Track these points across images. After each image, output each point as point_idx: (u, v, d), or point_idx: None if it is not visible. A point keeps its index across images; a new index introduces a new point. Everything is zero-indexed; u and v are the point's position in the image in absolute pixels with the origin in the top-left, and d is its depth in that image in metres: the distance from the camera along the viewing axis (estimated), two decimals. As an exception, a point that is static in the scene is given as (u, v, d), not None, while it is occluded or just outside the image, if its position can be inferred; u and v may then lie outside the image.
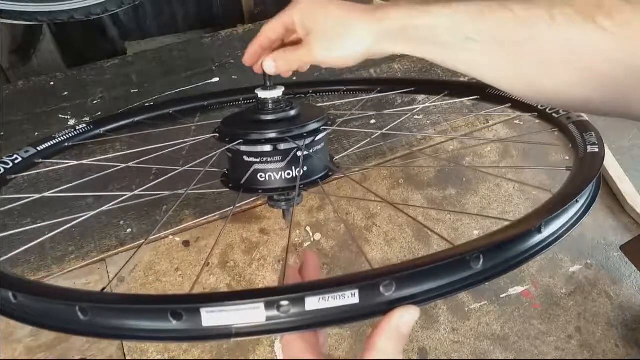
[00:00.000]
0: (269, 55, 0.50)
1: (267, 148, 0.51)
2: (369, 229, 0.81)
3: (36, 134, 0.94)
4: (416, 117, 0.97)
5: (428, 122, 0.96)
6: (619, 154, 0.89)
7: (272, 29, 0.50)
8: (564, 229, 0.33)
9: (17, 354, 0.66)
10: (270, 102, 0.54)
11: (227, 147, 0.53)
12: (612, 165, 0.87)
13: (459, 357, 0.68)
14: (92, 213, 0.51)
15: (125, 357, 0.66)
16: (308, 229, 0.81)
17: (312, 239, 0.79)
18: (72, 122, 0.96)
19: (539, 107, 0.57)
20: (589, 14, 0.31)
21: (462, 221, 0.82)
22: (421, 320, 0.71)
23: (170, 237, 0.79)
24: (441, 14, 0.37)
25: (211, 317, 0.25)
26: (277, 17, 0.50)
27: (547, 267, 0.77)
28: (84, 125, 0.75)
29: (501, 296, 0.74)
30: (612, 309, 0.73)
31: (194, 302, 0.25)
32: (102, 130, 0.76)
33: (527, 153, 0.93)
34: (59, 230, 0.52)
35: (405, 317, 0.27)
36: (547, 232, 0.32)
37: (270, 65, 0.50)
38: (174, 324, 0.25)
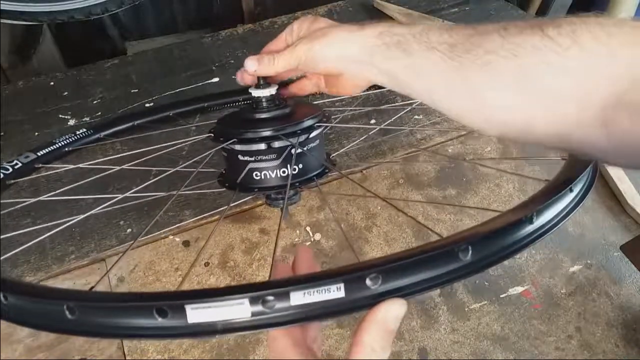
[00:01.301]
0: (253, 55, 0.51)
1: (261, 146, 0.51)
2: (369, 229, 0.81)
3: (36, 134, 0.94)
4: (416, 117, 0.97)
5: (428, 122, 0.96)
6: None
7: (274, 44, 0.52)
8: (557, 218, 0.32)
9: (17, 354, 0.66)
10: (263, 100, 0.54)
11: (220, 146, 0.53)
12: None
13: (459, 357, 0.68)
14: (82, 216, 0.52)
15: (125, 357, 0.66)
16: (308, 228, 0.81)
17: (312, 239, 0.79)
18: (72, 122, 0.97)
19: None
20: (540, 26, 0.32)
21: (463, 221, 0.82)
22: (421, 320, 0.71)
23: (170, 237, 0.79)
24: (414, 26, 0.40)
25: (196, 313, 0.25)
26: (279, 35, 0.52)
27: (547, 267, 0.77)
28: (84, 130, 0.75)
29: (501, 296, 0.74)
30: (612, 309, 0.73)
31: (178, 298, 0.25)
32: (102, 134, 0.77)
33: (527, 152, 0.93)
34: (54, 231, 0.52)
35: (392, 311, 0.26)
36: (539, 221, 0.31)
37: (252, 63, 0.50)
38: (159, 321, 0.25)
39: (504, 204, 0.84)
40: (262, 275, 0.75)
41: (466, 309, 0.72)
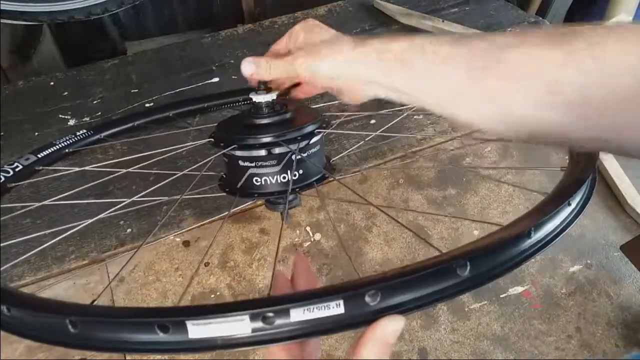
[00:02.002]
0: (251, 57, 0.50)
1: (262, 152, 0.52)
2: (369, 229, 0.81)
3: (36, 134, 0.94)
4: (416, 117, 0.97)
5: (428, 122, 0.97)
6: (619, 154, 0.89)
7: (277, 45, 0.52)
8: (555, 232, 0.32)
9: (17, 354, 0.66)
10: (264, 105, 0.54)
11: (220, 152, 0.54)
12: (612, 165, 0.87)
13: (459, 357, 0.68)
14: (90, 221, 0.52)
15: (125, 358, 0.67)
16: (308, 229, 0.81)
17: (312, 239, 0.79)
18: (72, 122, 0.97)
19: None
20: (559, 35, 0.32)
21: (462, 221, 0.82)
22: (421, 320, 0.71)
23: (171, 237, 0.79)
24: (416, 39, 0.38)
25: (197, 329, 0.25)
26: (282, 37, 0.51)
27: (547, 267, 0.77)
28: (84, 131, 0.75)
29: (501, 296, 0.74)
30: (612, 309, 0.73)
31: (180, 315, 0.26)
32: (102, 135, 0.77)
33: (527, 154, 0.93)
34: (59, 238, 0.52)
35: (390, 327, 0.26)
36: (537, 236, 0.31)
37: (249, 65, 0.49)
38: (160, 336, 0.26)
39: (504, 204, 0.84)
40: (262, 275, 0.75)
41: (466, 309, 0.72)
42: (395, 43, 0.40)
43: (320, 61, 0.45)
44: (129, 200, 0.56)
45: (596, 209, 0.84)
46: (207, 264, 0.76)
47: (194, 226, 0.79)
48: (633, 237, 0.77)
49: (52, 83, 1.05)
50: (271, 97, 0.54)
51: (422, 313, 0.72)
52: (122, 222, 0.80)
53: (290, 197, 0.57)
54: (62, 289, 0.73)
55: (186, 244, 0.78)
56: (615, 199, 0.85)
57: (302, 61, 0.46)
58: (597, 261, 0.78)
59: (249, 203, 0.81)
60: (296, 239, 0.79)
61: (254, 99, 0.54)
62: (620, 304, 0.73)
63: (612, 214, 0.84)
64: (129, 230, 0.79)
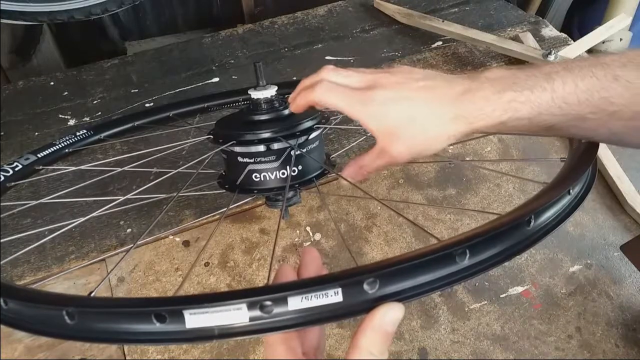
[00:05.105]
0: (344, 172, 0.47)
1: (261, 148, 0.51)
2: (369, 229, 0.81)
3: (36, 134, 0.94)
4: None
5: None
6: (619, 154, 0.89)
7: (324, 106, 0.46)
8: (555, 221, 0.32)
9: (17, 354, 0.66)
10: (262, 101, 0.54)
11: (220, 148, 0.53)
12: (611, 164, 0.87)
13: (459, 357, 0.68)
14: (83, 219, 0.52)
15: (125, 357, 0.67)
16: (308, 229, 0.81)
17: (312, 239, 0.79)
18: (72, 122, 0.97)
19: None
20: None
21: (462, 221, 0.82)
22: (421, 320, 0.71)
23: (171, 237, 0.79)
24: (543, 100, 0.36)
25: (194, 318, 0.25)
26: (340, 103, 0.43)
27: (547, 267, 0.77)
28: (84, 131, 0.75)
29: (501, 296, 0.74)
30: (612, 309, 0.73)
31: (176, 304, 0.26)
32: (102, 135, 0.77)
33: (528, 154, 0.93)
34: (55, 234, 0.52)
35: (389, 315, 0.26)
36: (537, 224, 0.31)
37: (351, 178, 0.48)
38: (157, 326, 0.25)
39: (504, 204, 0.84)
40: (262, 275, 0.75)
41: (466, 309, 0.72)
42: (521, 110, 0.37)
43: (424, 142, 0.40)
44: (124, 198, 0.56)
45: (596, 208, 0.84)
46: (207, 264, 0.76)
47: (193, 222, 0.79)
48: (633, 237, 0.77)
49: (52, 83, 1.05)
50: (270, 93, 0.54)
51: (422, 313, 0.72)
52: (122, 222, 0.80)
53: (290, 193, 0.57)
54: (62, 289, 0.73)
55: (186, 243, 0.78)
56: (615, 199, 0.85)
57: (398, 150, 0.41)
58: (597, 261, 0.78)
59: (247, 200, 0.81)
60: (296, 239, 0.79)
61: (252, 95, 0.54)
62: (620, 304, 0.73)
63: (612, 214, 0.84)
64: (129, 230, 0.79)
